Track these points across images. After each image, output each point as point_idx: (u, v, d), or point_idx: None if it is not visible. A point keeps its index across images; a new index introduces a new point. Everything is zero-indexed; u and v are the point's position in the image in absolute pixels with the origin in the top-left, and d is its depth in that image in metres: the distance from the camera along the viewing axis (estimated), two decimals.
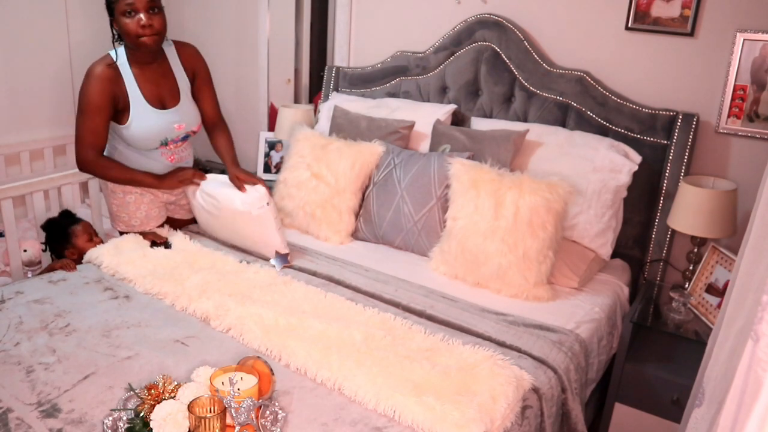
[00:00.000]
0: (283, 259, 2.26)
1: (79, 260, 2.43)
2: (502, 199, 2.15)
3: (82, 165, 2.24)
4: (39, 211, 2.74)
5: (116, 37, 2.21)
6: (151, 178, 2.30)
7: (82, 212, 3.34)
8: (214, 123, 2.47)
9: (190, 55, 2.39)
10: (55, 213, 3.30)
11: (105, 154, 2.28)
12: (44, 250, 2.64)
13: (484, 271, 2.17)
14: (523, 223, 2.11)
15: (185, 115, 2.33)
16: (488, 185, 2.19)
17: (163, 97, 2.28)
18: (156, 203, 2.46)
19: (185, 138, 2.41)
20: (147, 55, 2.21)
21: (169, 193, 2.49)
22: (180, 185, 2.37)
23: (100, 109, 2.15)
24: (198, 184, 2.36)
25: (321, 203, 2.51)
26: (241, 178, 2.27)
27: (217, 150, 2.46)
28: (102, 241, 2.57)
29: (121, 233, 2.47)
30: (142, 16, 2.08)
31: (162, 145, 2.32)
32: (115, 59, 2.20)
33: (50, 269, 2.31)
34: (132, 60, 2.21)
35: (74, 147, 2.22)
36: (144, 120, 2.23)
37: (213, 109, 2.46)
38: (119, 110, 2.21)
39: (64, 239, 2.54)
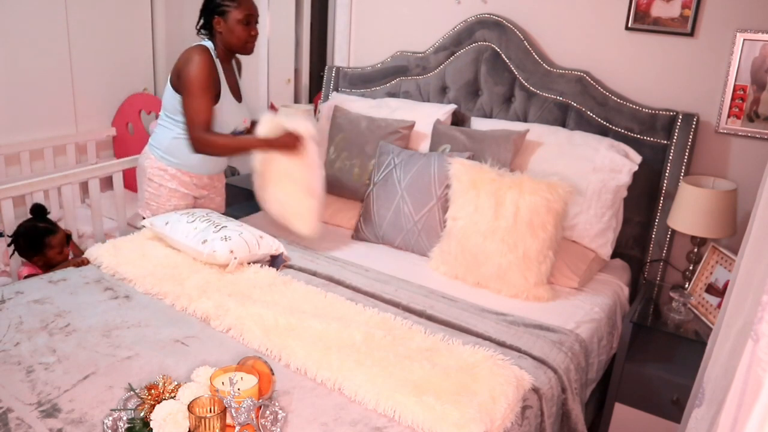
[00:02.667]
0: (280, 259, 2.26)
1: (45, 268, 2.45)
2: (502, 199, 2.15)
3: (198, 144, 2.31)
4: None
5: (204, 32, 2.38)
6: (260, 141, 2.36)
7: (82, 212, 3.34)
8: None
9: (239, 63, 2.61)
10: (55, 213, 3.30)
11: (174, 136, 2.41)
12: (11, 255, 2.56)
13: (484, 271, 2.18)
14: (523, 223, 2.11)
15: (248, 112, 2.54)
16: (488, 185, 2.19)
17: (236, 93, 2.48)
18: (187, 199, 2.51)
19: (240, 133, 2.50)
20: (232, 56, 2.46)
21: (202, 188, 2.55)
22: (286, 149, 2.34)
23: (208, 89, 2.29)
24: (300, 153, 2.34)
25: None
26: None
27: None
28: (68, 253, 2.57)
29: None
30: (254, 27, 2.36)
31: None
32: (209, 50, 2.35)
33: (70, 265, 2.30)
34: (219, 55, 2.39)
35: (187, 130, 2.32)
36: (228, 107, 2.40)
37: None
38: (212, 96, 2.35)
39: (37, 247, 2.49)
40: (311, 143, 2.33)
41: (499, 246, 2.13)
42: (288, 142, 2.33)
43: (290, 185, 2.38)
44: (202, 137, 2.29)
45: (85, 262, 2.26)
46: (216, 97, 2.35)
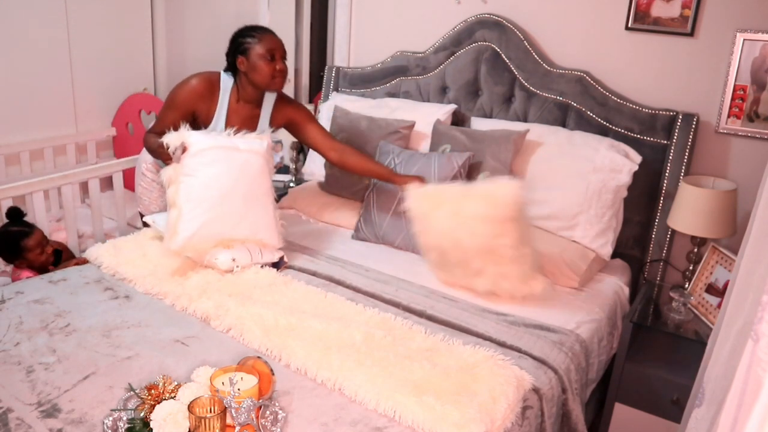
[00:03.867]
0: (281, 262, 2.25)
1: (40, 271, 2.43)
2: (461, 220, 2.02)
3: (144, 139, 2.30)
4: (39, 212, 2.74)
5: (231, 70, 2.30)
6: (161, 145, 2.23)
7: (82, 212, 3.34)
8: (334, 149, 2.43)
9: (285, 111, 2.44)
10: (55, 213, 3.31)
11: None
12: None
13: (475, 283, 2.10)
14: (486, 237, 1.99)
15: None
16: (446, 208, 2.07)
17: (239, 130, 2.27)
18: None
19: None
20: (255, 96, 2.33)
21: None
22: (167, 158, 2.15)
23: (177, 109, 2.27)
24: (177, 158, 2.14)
25: None
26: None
27: (365, 169, 2.42)
28: (52, 251, 2.55)
29: (142, 218, 2.52)
30: (280, 62, 2.26)
31: None
32: (219, 81, 2.30)
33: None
34: (237, 93, 2.32)
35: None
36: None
37: (324, 138, 2.44)
38: (200, 122, 2.31)
39: (14, 252, 2.46)
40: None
41: (479, 261, 2.04)
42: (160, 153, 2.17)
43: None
44: (145, 135, 2.30)
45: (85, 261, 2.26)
46: (201, 126, 2.30)
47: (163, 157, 2.17)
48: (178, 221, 2.06)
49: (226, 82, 2.31)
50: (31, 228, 2.51)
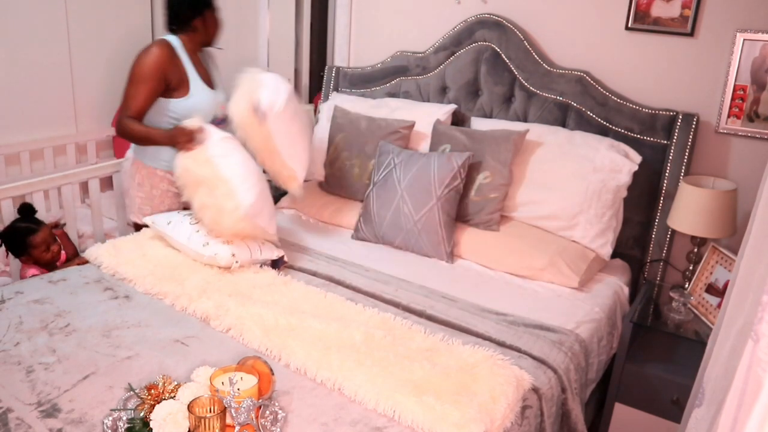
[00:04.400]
0: (281, 261, 2.25)
1: (48, 268, 2.43)
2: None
3: (119, 127, 2.33)
4: (39, 212, 2.74)
5: (174, 27, 2.43)
6: (163, 136, 2.29)
7: (82, 212, 3.34)
8: None
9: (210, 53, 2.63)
10: (55, 213, 3.30)
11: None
12: (7, 255, 2.56)
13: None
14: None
15: (225, 98, 2.47)
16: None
17: (208, 80, 2.50)
18: (180, 197, 2.42)
19: (222, 121, 2.47)
20: (200, 46, 2.49)
21: None
22: (188, 141, 2.24)
23: (150, 80, 2.30)
24: (200, 141, 2.24)
25: None
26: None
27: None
28: (59, 249, 2.56)
29: (137, 227, 2.52)
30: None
31: (212, 123, 2.38)
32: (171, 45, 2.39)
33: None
34: (186, 48, 2.42)
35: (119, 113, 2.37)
36: (202, 96, 2.42)
37: None
38: (172, 87, 2.36)
39: (20, 248, 2.47)
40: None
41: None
42: (176, 137, 2.23)
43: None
44: (123, 121, 2.30)
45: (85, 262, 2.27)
46: (178, 88, 2.37)
47: (175, 141, 2.24)
48: (235, 193, 2.13)
49: (176, 42, 2.39)
50: (38, 225, 2.53)
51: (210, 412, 1.33)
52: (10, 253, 2.54)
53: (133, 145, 2.51)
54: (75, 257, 2.65)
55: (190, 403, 1.32)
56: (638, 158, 2.39)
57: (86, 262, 2.25)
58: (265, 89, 2.27)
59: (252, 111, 2.24)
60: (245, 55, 3.69)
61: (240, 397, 1.33)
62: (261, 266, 2.17)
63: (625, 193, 2.38)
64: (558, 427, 1.82)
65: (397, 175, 2.45)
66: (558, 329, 1.95)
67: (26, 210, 2.57)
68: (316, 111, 3.34)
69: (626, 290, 2.41)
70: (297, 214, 2.84)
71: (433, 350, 1.70)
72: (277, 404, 1.41)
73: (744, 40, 2.25)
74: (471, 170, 2.43)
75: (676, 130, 2.38)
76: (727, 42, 2.30)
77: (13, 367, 1.60)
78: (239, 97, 2.27)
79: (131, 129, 2.29)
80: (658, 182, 2.45)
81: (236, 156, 2.22)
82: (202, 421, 1.29)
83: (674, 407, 2.08)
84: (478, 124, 2.71)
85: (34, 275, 2.32)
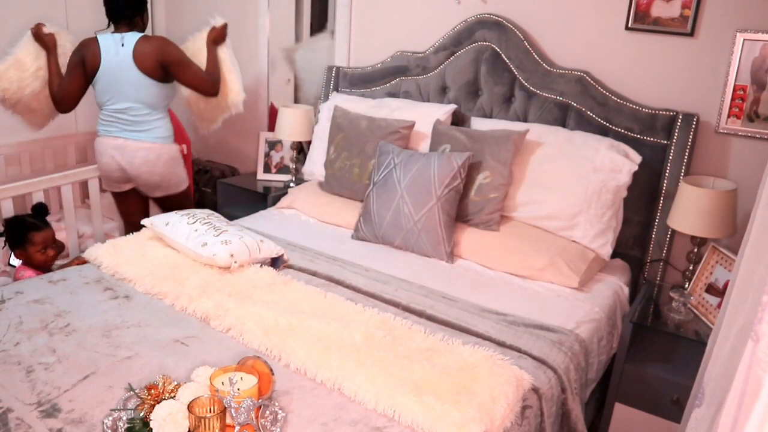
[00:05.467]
0: (281, 260, 2.25)
1: (33, 268, 2.45)
2: None
3: (214, 86, 2.81)
4: None
5: (130, 23, 2.71)
6: (212, 53, 2.85)
7: (81, 212, 3.34)
8: None
9: None
10: (55, 213, 3.30)
11: (169, 120, 2.89)
12: (2, 247, 2.60)
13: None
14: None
15: None
16: None
17: None
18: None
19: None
20: None
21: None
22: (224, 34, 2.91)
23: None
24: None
25: None
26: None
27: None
28: (55, 255, 2.58)
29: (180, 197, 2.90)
30: None
31: None
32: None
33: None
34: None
35: (202, 84, 2.75)
36: None
37: None
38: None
39: (19, 240, 2.52)
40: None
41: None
42: (218, 38, 2.88)
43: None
44: (209, 78, 2.76)
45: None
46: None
47: (219, 41, 2.90)
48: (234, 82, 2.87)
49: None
50: (44, 225, 2.56)
51: (210, 412, 1.33)
52: (6, 245, 2.56)
53: (155, 135, 2.75)
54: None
55: (190, 403, 1.32)
56: (638, 158, 2.39)
57: (86, 262, 2.25)
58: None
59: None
60: (245, 56, 3.69)
61: (240, 397, 1.33)
62: (261, 266, 2.16)
63: (625, 193, 2.38)
64: (558, 427, 1.82)
65: (397, 175, 2.45)
66: (558, 329, 1.95)
67: (40, 209, 2.61)
68: (316, 111, 3.35)
69: (626, 290, 2.41)
70: (297, 214, 2.84)
71: (433, 350, 1.70)
72: (277, 404, 1.41)
73: (744, 40, 2.25)
74: (471, 170, 2.43)
75: (676, 130, 2.38)
76: (727, 42, 2.30)
77: (13, 367, 1.60)
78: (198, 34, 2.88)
79: (216, 78, 2.79)
80: (658, 182, 2.44)
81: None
82: (202, 421, 1.29)
83: (674, 407, 2.08)
84: (478, 124, 2.71)
85: (29, 277, 2.33)
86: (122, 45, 2.63)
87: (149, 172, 2.76)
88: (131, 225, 2.90)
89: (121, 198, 2.92)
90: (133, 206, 2.94)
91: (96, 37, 2.67)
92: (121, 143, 2.73)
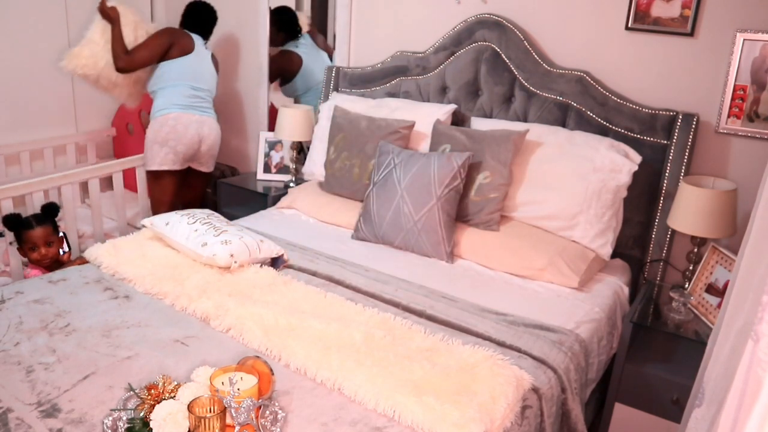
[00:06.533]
0: (281, 260, 2.25)
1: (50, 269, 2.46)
2: None
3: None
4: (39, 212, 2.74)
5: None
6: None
7: (81, 212, 3.34)
8: None
9: None
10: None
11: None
12: (11, 243, 2.62)
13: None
14: None
15: None
16: None
17: None
18: None
19: None
20: None
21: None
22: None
23: None
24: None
25: None
26: None
27: None
28: (48, 255, 2.58)
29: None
30: None
31: None
32: None
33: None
34: None
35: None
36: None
37: None
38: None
39: (17, 237, 2.56)
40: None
41: None
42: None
43: None
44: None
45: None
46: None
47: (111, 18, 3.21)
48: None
49: None
50: (38, 224, 2.55)
51: (210, 412, 1.33)
52: (10, 247, 2.58)
53: (213, 117, 3.32)
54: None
55: (190, 403, 1.32)
56: (638, 158, 2.39)
57: (86, 262, 2.25)
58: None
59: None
60: (245, 55, 3.69)
61: (240, 397, 1.33)
62: (261, 266, 2.17)
63: (625, 193, 2.38)
64: (558, 427, 1.82)
65: (397, 175, 2.45)
66: (558, 329, 1.95)
67: (47, 209, 2.63)
68: (316, 111, 3.35)
69: (626, 290, 2.41)
70: (297, 214, 2.84)
71: (433, 350, 1.70)
72: (277, 404, 1.41)
73: (744, 40, 2.25)
74: (471, 170, 2.43)
75: (676, 130, 2.38)
76: (727, 42, 2.30)
77: (13, 367, 1.60)
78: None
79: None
80: (658, 182, 2.44)
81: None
82: (202, 421, 1.29)
83: (674, 407, 2.08)
84: (478, 124, 2.71)
85: (35, 276, 2.34)
86: (205, 48, 3.32)
87: (215, 145, 3.33)
88: (186, 205, 3.32)
89: (179, 178, 3.29)
90: (197, 181, 3.43)
91: (184, 30, 3.28)
92: (202, 119, 3.24)
